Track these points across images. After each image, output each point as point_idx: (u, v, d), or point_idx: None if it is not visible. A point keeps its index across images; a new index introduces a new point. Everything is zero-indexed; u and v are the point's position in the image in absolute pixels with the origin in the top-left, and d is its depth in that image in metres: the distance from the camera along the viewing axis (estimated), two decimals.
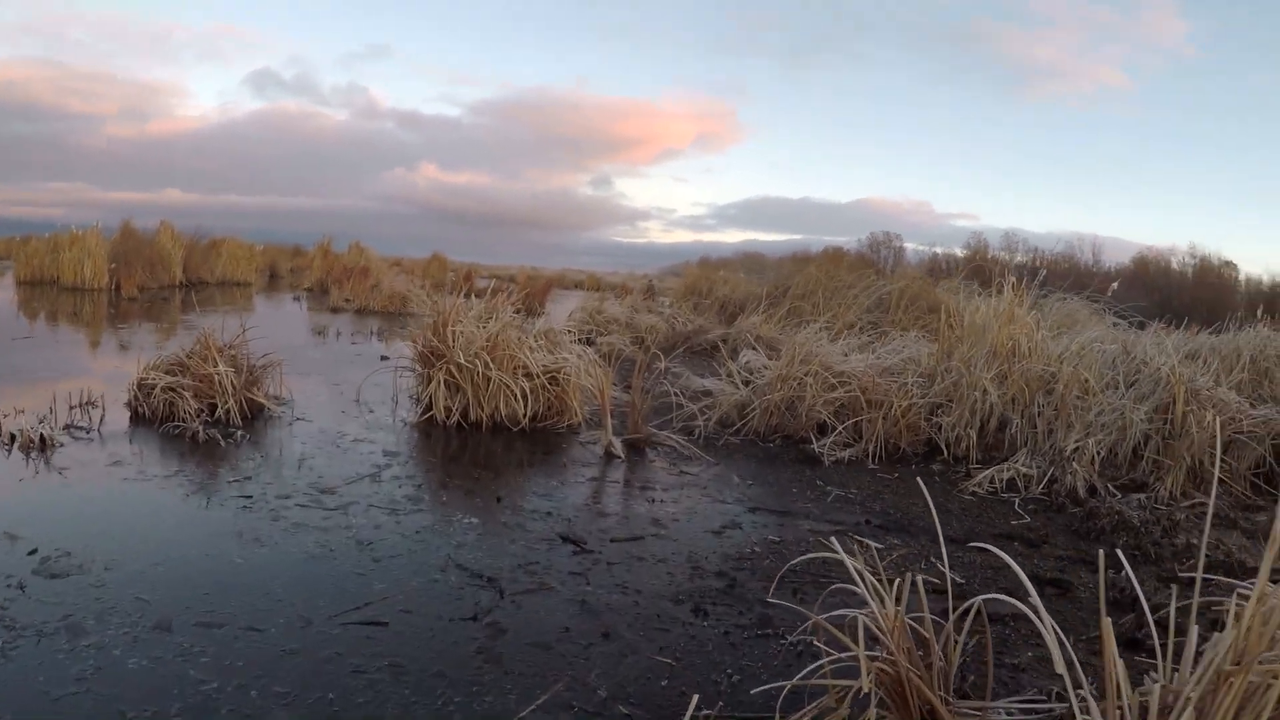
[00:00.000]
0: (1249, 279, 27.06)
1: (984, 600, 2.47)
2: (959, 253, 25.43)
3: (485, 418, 6.53)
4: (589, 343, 10.89)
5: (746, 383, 7.49)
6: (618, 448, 5.94)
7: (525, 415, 6.54)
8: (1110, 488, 6.17)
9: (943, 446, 6.74)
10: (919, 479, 6.07)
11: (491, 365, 6.48)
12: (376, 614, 3.10)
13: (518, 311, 11.45)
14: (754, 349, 11.44)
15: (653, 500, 4.96)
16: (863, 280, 13.43)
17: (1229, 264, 26.95)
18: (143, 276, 19.88)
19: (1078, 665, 2.07)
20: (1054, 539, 5.06)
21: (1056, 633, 2.04)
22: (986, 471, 6.10)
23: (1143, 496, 6.00)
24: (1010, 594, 4.09)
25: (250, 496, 4.50)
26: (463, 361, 6.47)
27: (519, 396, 6.52)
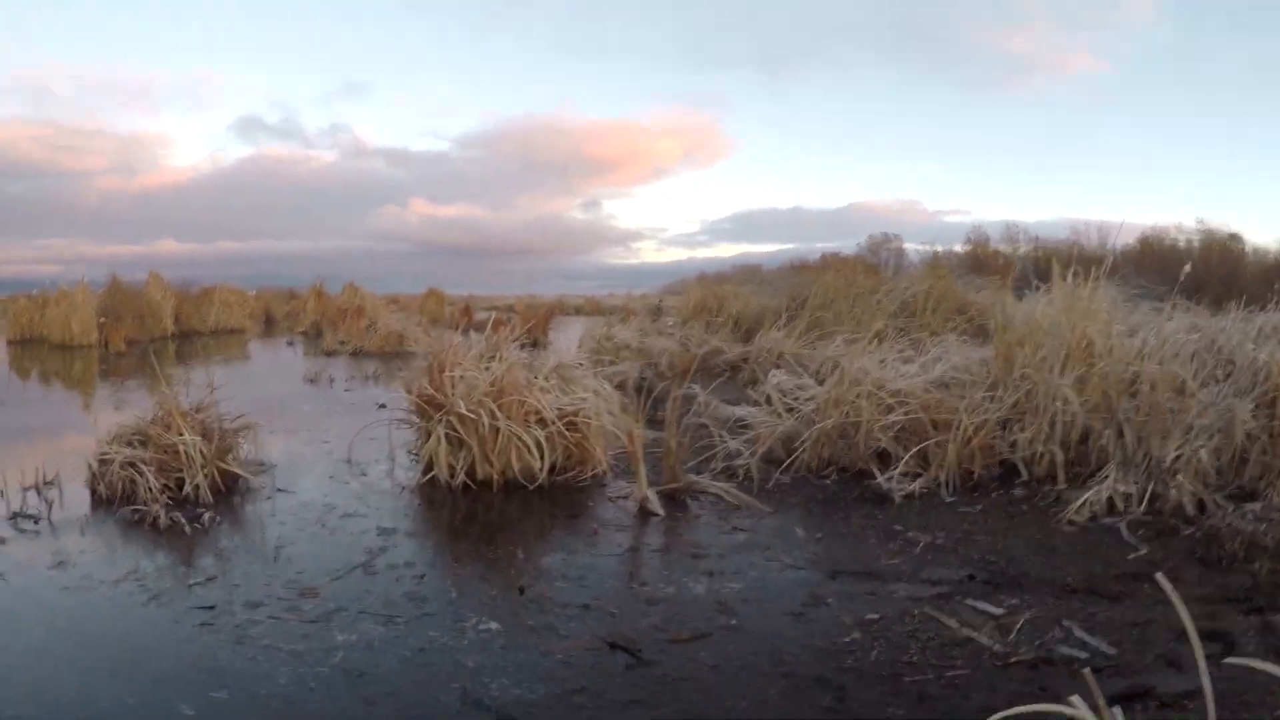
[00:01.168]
0: (1256, 249, 26.06)
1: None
2: (959, 249, 24.46)
3: (495, 475, 5.59)
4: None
5: (789, 409, 6.54)
6: (654, 503, 5.00)
7: (542, 469, 5.59)
8: (1218, 500, 5.28)
9: (1021, 467, 5.81)
10: (1007, 511, 5.18)
11: (498, 414, 5.54)
12: None
13: (522, 345, 10.54)
14: (779, 368, 10.52)
15: (710, 573, 4.01)
16: (884, 284, 12.52)
17: (1234, 236, 25.94)
18: (132, 330, 18.97)
19: None
20: (1183, 574, 4.20)
21: None
22: (1083, 497, 5.18)
23: (1258, 507, 5.10)
24: (1174, 661, 3.21)
25: (213, 607, 3.56)
26: (465, 412, 5.53)
27: (532, 448, 5.57)
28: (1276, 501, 5.17)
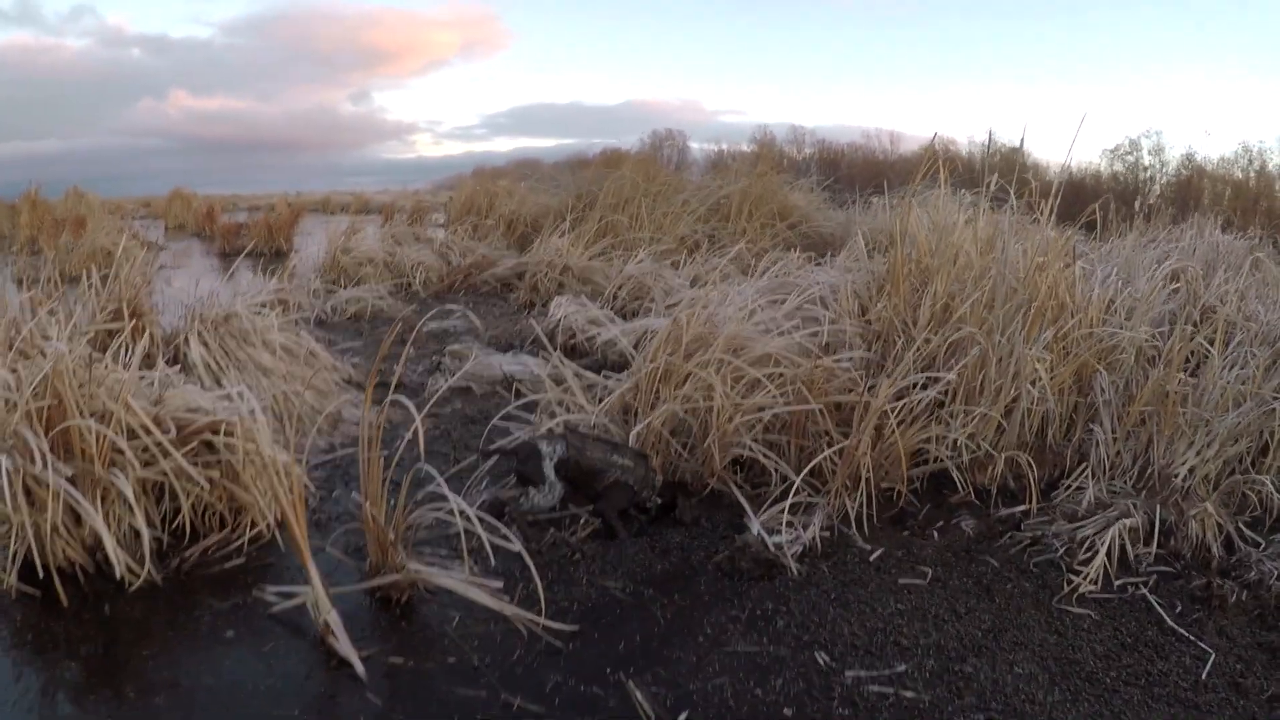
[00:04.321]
0: (1036, 164, 25.35)
1: None
2: (745, 148, 22.32)
3: (74, 564, 2.77)
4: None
5: (589, 389, 4.00)
6: (342, 641, 2.36)
7: (144, 550, 2.79)
8: (1240, 528, 3.32)
9: (957, 477, 3.56)
10: (974, 576, 2.93)
11: (45, 452, 2.69)
12: None
13: (262, 255, 7.88)
14: (563, 288, 7.96)
15: None
16: (691, 181, 10.13)
17: (1015, 150, 25.09)
18: None
19: None
20: None
21: None
22: (1088, 551, 3.02)
23: None
24: None
25: None
26: None
27: (110, 510, 2.76)
28: None
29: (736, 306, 4.33)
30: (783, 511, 3.12)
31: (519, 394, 4.61)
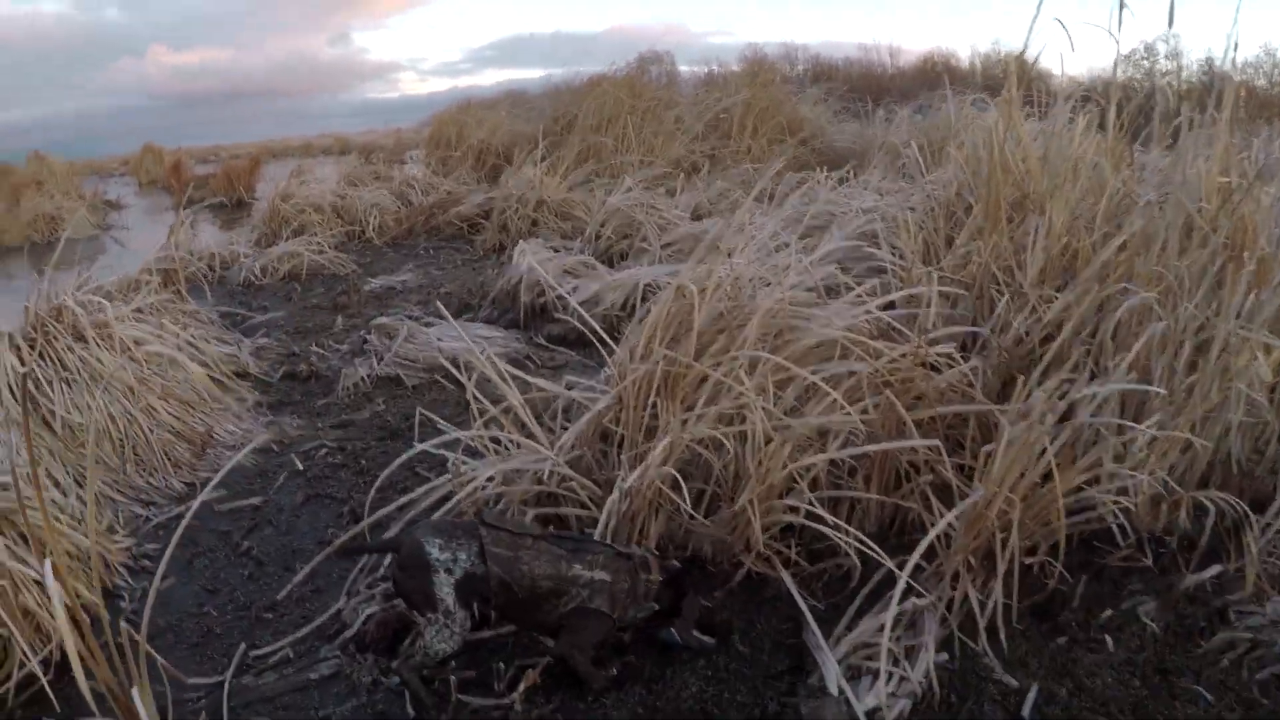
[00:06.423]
0: (1041, 73, 23.34)
1: None
2: (736, 68, 20.37)
3: None
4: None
5: (548, 418, 2.59)
6: None
7: None
8: None
9: (1116, 526, 2.17)
10: None
11: None
12: None
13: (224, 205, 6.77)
14: (536, 227, 6.54)
15: None
16: (682, 98, 8.60)
17: (1019, 57, 22.96)
18: None
19: None
20: None
21: None
22: None
23: None
24: None
25: None
26: None
27: None
28: None
29: (758, 250, 2.94)
30: (881, 629, 1.76)
31: (453, 379, 3.26)
